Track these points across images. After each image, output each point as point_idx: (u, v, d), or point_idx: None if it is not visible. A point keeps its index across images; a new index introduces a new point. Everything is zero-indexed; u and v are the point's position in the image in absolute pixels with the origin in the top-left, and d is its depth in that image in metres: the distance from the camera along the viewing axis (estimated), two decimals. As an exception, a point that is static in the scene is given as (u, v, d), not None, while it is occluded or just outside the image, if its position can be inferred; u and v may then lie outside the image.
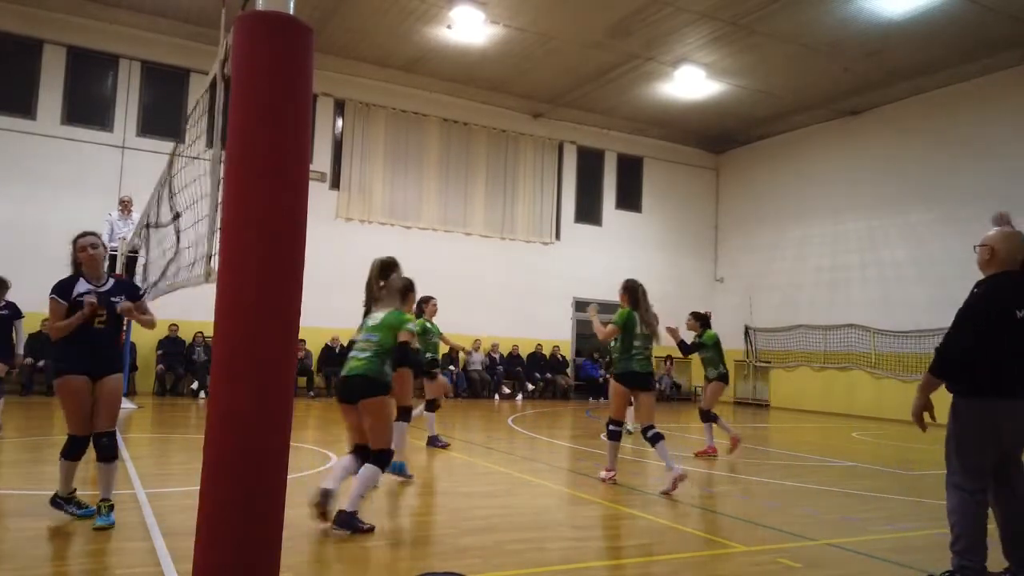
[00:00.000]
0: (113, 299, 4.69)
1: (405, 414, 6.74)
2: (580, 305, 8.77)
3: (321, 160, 16.50)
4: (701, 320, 9.23)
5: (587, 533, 5.15)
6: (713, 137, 20.40)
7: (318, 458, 7.51)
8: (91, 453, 4.62)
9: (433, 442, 8.67)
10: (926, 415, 3.99)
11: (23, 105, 14.20)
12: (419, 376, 7.61)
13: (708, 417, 8.99)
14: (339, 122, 16.96)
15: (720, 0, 12.67)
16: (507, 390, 17.35)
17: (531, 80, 16.85)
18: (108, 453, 4.62)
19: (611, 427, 6.91)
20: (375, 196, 17.02)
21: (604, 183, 20.04)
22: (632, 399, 6.97)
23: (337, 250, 15.96)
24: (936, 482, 4.06)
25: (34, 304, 13.57)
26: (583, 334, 18.54)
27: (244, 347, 3.04)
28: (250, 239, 3.07)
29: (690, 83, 16.20)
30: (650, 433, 6.66)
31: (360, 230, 16.82)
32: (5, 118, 13.97)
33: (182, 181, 6.60)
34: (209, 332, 11.25)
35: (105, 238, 12.22)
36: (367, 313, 6.02)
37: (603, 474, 6.90)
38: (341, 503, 4.73)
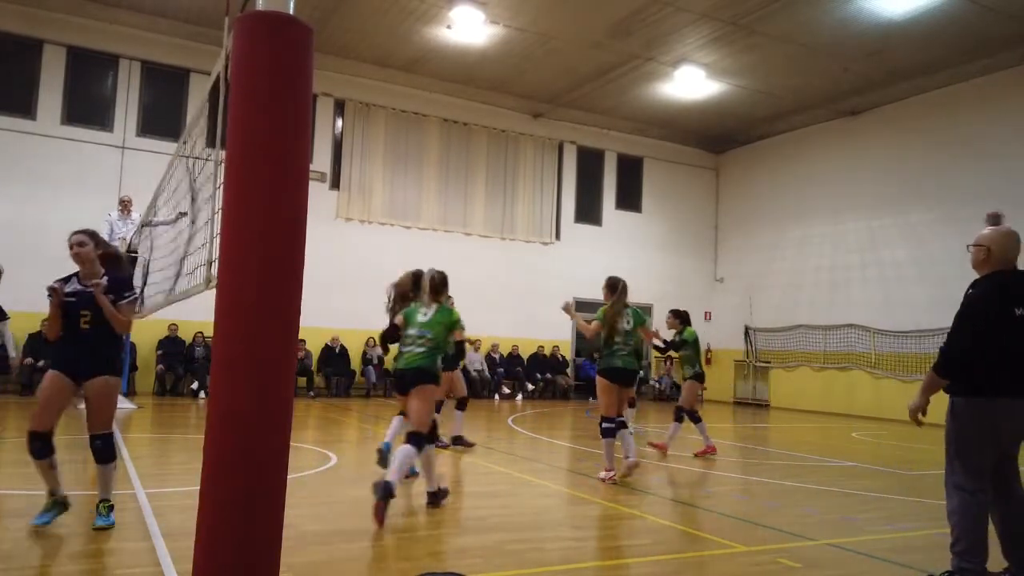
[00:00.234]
0: (116, 300, 4.61)
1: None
2: (580, 306, 8.79)
3: (321, 160, 16.50)
4: (681, 317, 9.22)
5: (587, 533, 5.15)
6: (713, 137, 20.40)
7: (318, 458, 7.51)
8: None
9: (458, 441, 8.62)
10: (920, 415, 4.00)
11: (23, 105, 14.21)
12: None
13: (695, 418, 8.95)
14: (339, 122, 16.96)
15: (720, 0, 12.67)
16: (507, 390, 17.35)
17: (531, 80, 16.85)
18: (100, 456, 4.58)
19: (604, 425, 6.87)
20: (375, 196, 17.02)
21: (604, 183, 20.05)
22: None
23: (337, 250, 15.99)
24: (936, 482, 4.06)
25: (34, 304, 13.61)
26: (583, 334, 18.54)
27: (244, 347, 3.04)
28: (250, 239, 3.07)
29: (690, 83, 16.20)
30: (617, 420, 6.82)
31: (360, 230, 16.83)
32: (5, 118, 13.97)
33: (198, 184, 6.60)
34: (209, 332, 11.26)
35: (104, 238, 12.28)
36: (394, 312, 6.66)
37: (603, 474, 6.84)
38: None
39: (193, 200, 7.61)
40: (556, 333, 18.57)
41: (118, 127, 14.90)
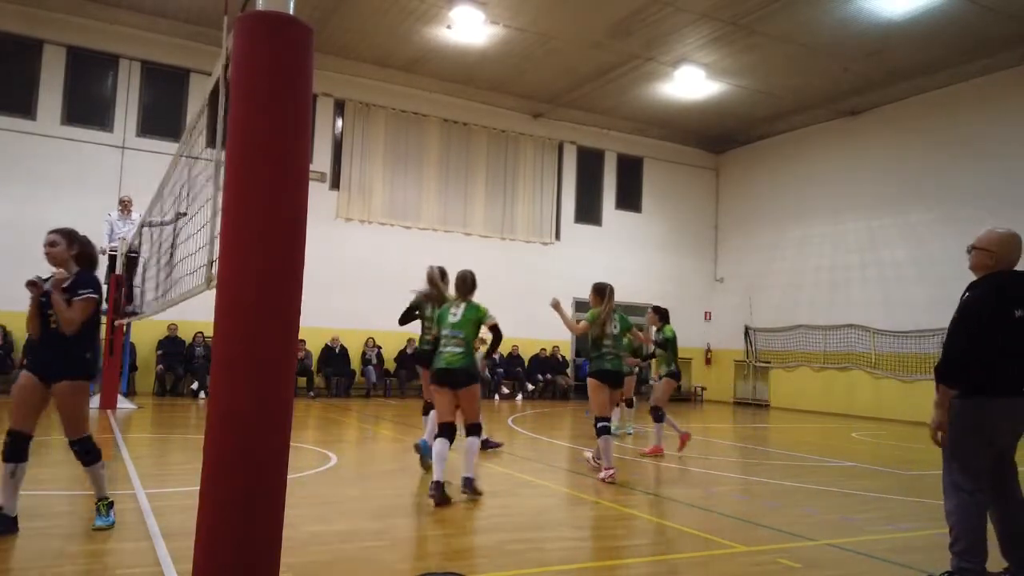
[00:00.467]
0: (71, 298, 4.42)
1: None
2: (580, 306, 8.82)
3: (321, 160, 16.50)
4: (661, 314, 9.25)
5: (587, 533, 5.15)
6: (713, 137, 20.40)
7: (318, 458, 7.51)
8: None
9: (486, 444, 8.36)
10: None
11: (23, 105, 14.20)
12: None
13: (658, 416, 8.95)
14: (339, 122, 16.96)
15: (720, 0, 12.68)
16: (507, 390, 17.36)
17: (531, 80, 16.85)
18: (83, 460, 4.52)
19: (599, 424, 6.95)
20: (375, 196, 17.02)
21: (604, 183, 20.05)
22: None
23: (337, 250, 15.98)
24: (936, 482, 4.06)
25: (34, 304, 13.62)
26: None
27: (244, 347, 3.04)
28: (250, 239, 3.07)
29: (690, 83, 16.20)
30: (599, 424, 6.97)
31: (360, 230, 16.84)
32: (5, 118, 13.97)
33: (197, 184, 6.60)
34: (209, 332, 11.26)
35: (104, 239, 12.29)
36: (414, 310, 7.24)
37: (602, 474, 6.86)
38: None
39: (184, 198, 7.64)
40: (556, 333, 18.53)
41: (118, 127, 14.90)
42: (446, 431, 5.90)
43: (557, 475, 7.44)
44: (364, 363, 16.26)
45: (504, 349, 17.81)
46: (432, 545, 4.58)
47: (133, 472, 6.29)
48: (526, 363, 17.97)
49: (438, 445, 5.83)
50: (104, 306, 4.74)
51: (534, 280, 18.26)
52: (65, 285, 4.43)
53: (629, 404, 10.64)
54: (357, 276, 16.46)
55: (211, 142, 4.36)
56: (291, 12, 3.20)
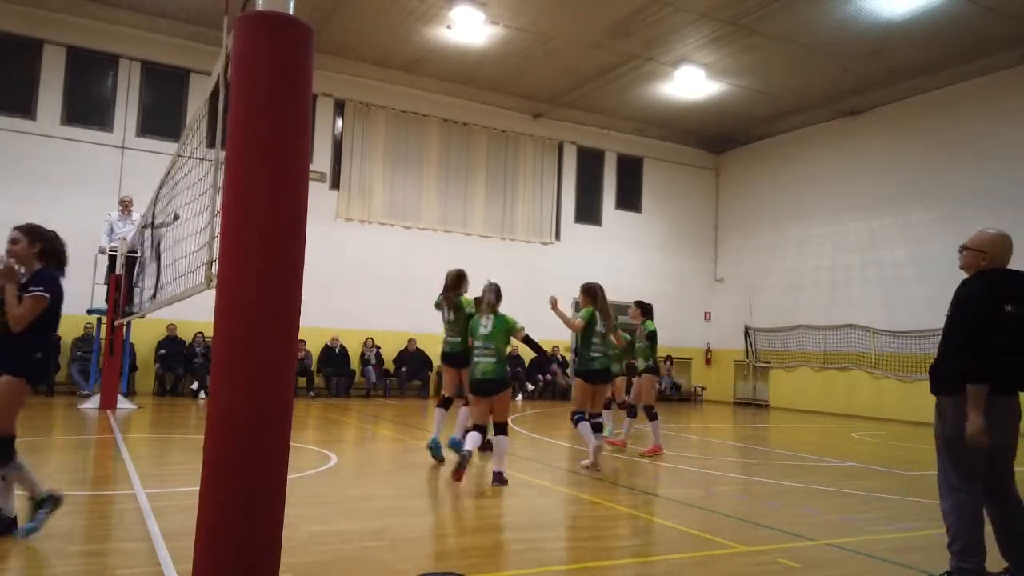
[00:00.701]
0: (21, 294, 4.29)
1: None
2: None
3: (321, 160, 16.50)
4: (644, 309, 9.34)
5: (587, 533, 5.15)
6: (713, 137, 20.40)
7: (318, 458, 7.51)
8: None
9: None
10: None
11: (23, 105, 14.20)
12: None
13: (631, 412, 8.99)
14: (339, 122, 16.96)
15: (720, 0, 12.68)
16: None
17: (531, 80, 16.85)
18: None
19: (576, 415, 7.40)
20: (375, 196, 17.02)
21: (604, 183, 20.05)
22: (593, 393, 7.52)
23: (337, 250, 15.99)
24: (936, 482, 4.05)
25: (34, 304, 13.62)
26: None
27: (244, 347, 3.04)
28: (250, 239, 3.08)
29: (690, 83, 16.20)
30: (593, 422, 7.37)
31: (360, 230, 16.84)
32: (5, 118, 13.97)
33: (189, 182, 6.61)
34: (209, 332, 11.26)
35: (103, 238, 12.29)
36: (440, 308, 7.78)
37: (584, 462, 7.32)
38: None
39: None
40: (556, 333, 18.49)
41: (118, 127, 14.90)
42: (479, 431, 6.55)
43: (557, 475, 7.44)
44: (364, 363, 16.25)
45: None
46: (432, 545, 4.58)
47: (133, 472, 6.29)
48: (526, 364, 17.97)
49: (471, 440, 6.46)
50: (61, 306, 4.53)
51: (534, 280, 18.23)
52: (23, 281, 4.31)
53: (622, 407, 10.44)
54: (357, 276, 16.46)
55: (211, 142, 4.36)
56: (291, 12, 3.20)
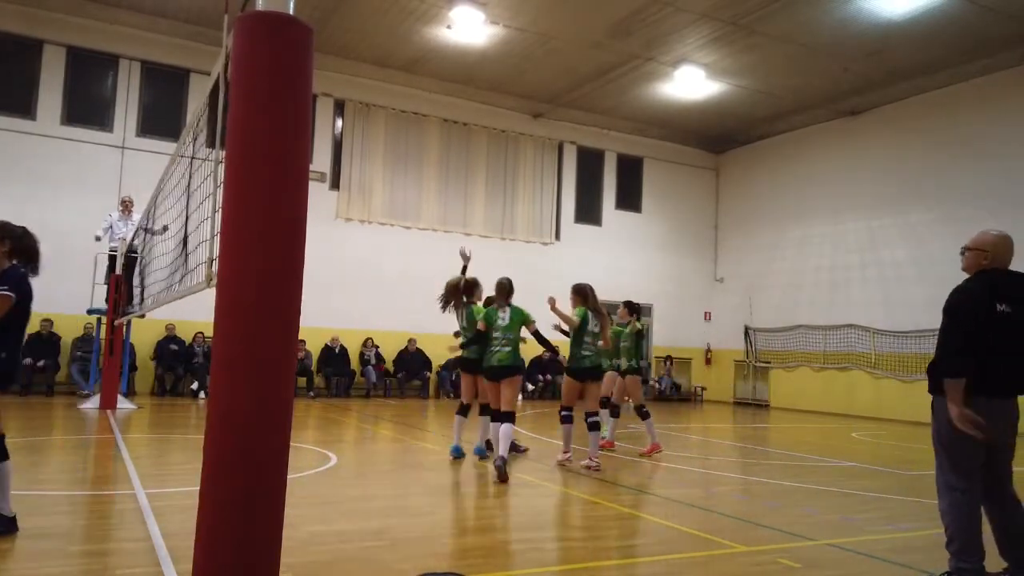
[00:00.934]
0: None
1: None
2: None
3: (321, 160, 16.50)
4: (631, 308, 9.37)
5: (587, 533, 5.15)
6: (713, 137, 20.40)
7: (318, 458, 7.51)
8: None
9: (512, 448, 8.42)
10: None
11: (23, 105, 14.20)
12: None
13: (615, 411, 8.99)
14: (339, 122, 16.96)
15: (720, 0, 12.68)
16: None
17: (531, 80, 16.85)
18: None
19: (563, 413, 7.73)
20: (375, 196, 17.02)
21: (604, 183, 20.05)
22: (582, 391, 7.72)
23: (337, 250, 15.99)
24: (935, 482, 4.05)
25: (34, 303, 13.62)
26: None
27: (244, 347, 3.04)
28: (250, 239, 3.08)
29: (690, 83, 16.20)
30: (590, 420, 7.52)
31: (360, 230, 16.84)
32: (5, 118, 13.97)
33: (187, 185, 6.62)
34: (209, 332, 11.26)
35: (101, 232, 12.32)
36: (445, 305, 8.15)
37: (560, 456, 7.68)
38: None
39: (187, 216, 7.78)
40: (556, 333, 18.56)
41: (118, 127, 14.90)
42: (498, 416, 7.07)
43: (557, 475, 7.44)
44: (363, 363, 16.25)
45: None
46: (432, 545, 4.58)
47: (133, 472, 6.29)
48: (526, 363, 17.97)
49: (494, 428, 7.06)
50: (30, 304, 4.38)
51: (534, 280, 18.13)
52: None
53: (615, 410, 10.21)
54: (357, 276, 16.46)
55: (211, 142, 4.36)
56: (291, 12, 3.20)
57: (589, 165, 19.85)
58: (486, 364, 7.22)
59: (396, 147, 17.27)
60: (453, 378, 16.77)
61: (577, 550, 4.60)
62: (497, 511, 5.73)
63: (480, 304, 8.13)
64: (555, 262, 18.56)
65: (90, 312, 12.75)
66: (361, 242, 16.75)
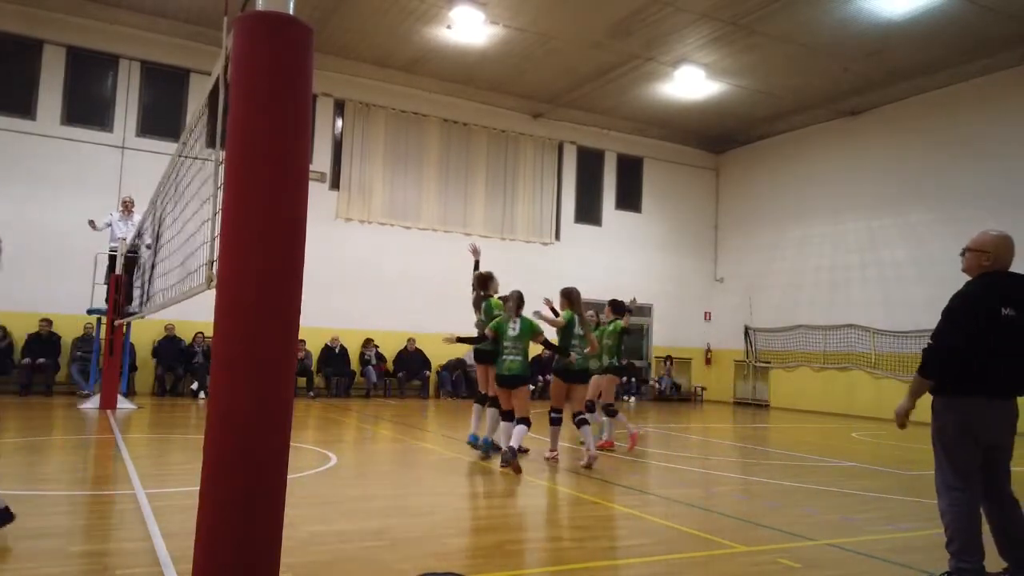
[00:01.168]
0: None
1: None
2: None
3: (321, 160, 16.50)
4: (615, 307, 9.41)
5: (587, 533, 5.15)
6: (713, 137, 20.40)
7: (318, 458, 7.51)
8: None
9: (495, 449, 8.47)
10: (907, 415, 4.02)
11: (23, 105, 14.20)
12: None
13: (610, 411, 9.02)
14: (339, 122, 16.96)
15: (720, 0, 12.68)
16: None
17: (531, 80, 16.85)
18: None
19: (552, 415, 7.96)
20: (375, 196, 17.02)
21: (604, 183, 20.05)
22: (568, 392, 7.97)
23: (337, 250, 15.99)
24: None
25: (34, 303, 13.63)
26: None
27: (244, 347, 3.04)
28: (250, 239, 3.07)
29: (690, 83, 16.20)
30: (577, 418, 7.80)
31: (360, 230, 16.84)
32: (5, 118, 13.97)
33: (187, 184, 6.62)
34: (209, 332, 11.26)
35: (101, 223, 12.34)
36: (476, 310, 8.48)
37: (547, 454, 7.89)
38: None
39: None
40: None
41: (118, 127, 14.90)
42: (508, 416, 7.48)
43: (557, 475, 7.44)
44: (363, 363, 16.25)
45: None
46: (432, 545, 4.58)
47: (133, 472, 6.29)
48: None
49: (504, 426, 7.44)
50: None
51: (534, 280, 18.15)
52: None
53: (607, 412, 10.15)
54: (357, 276, 16.46)
55: (211, 142, 4.36)
56: (291, 12, 3.19)
57: (589, 165, 19.85)
58: (498, 371, 7.56)
59: (396, 147, 17.27)
60: (453, 378, 16.79)
61: (577, 550, 4.60)
62: (497, 511, 5.73)
63: (496, 297, 8.40)
64: (555, 262, 18.56)
65: (90, 312, 12.75)
66: (361, 242, 16.75)
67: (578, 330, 7.94)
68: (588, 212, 19.77)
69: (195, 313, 13.50)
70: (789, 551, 4.63)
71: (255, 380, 3.03)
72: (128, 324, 11.90)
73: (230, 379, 3.05)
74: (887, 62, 14.85)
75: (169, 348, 14.39)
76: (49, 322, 13.40)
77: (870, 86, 16.11)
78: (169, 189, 7.98)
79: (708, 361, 20.91)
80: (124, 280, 11.41)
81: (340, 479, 6.75)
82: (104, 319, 11.85)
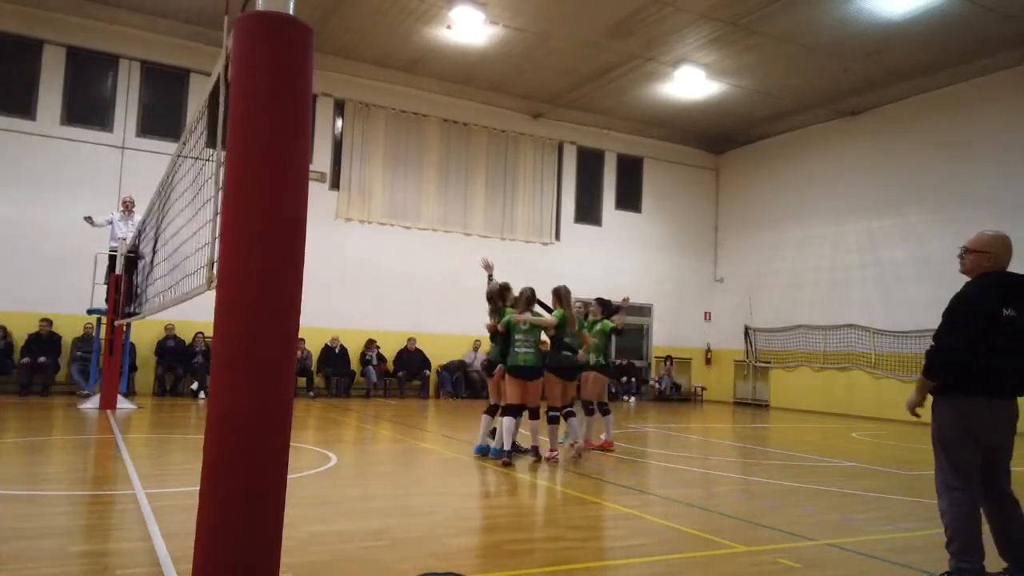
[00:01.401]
0: None
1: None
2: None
3: (321, 160, 16.50)
4: (603, 305, 9.45)
5: (587, 533, 5.15)
6: (713, 137, 20.40)
7: (318, 458, 7.51)
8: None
9: (517, 450, 8.25)
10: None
11: (23, 105, 14.20)
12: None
13: (605, 409, 9.01)
14: (339, 122, 16.96)
15: (720, 0, 12.68)
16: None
17: (531, 80, 16.85)
18: None
19: (550, 414, 7.99)
20: (375, 196, 17.02)
21: (604, 183, 20.05)
22: (564, 388, 8.12)
23: (337, 250, 15.99)
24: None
25: (34, 303, 13.63)
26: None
27: (244, 347, 3.04)
28: (250, 239, 3.07)
29: (690, 83, 16.20)
30: (551, 414, 7.96)
31: (360, 230, 16.84)
32: (5, 118, 13.97)
33: (184, 185, 6.62)
34: (209, 332, 11.26)
35: (100, 219, 12.35)
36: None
37: (548, 453, 7.87)
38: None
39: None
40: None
41: (118, 127, 14.89)
42: (513, 411, 7.58)
43: (557, 475, 7.44)
44: (363, 363, 16.25)
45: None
46: (432, 545, 4.58)
47: (133, 472, 6.29)
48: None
49: (507, 422, 7.50)
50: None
51: (534, 280, 18.05)
52: None
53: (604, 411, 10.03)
54: (357, 276, 16.46)
55: (211, 142, 4.36)
56: (291, 12, 3.19)
57: (589, 165, 19.85)
58: (511, 363, 7.72)
59: (396, 147, 17.27)
60: (453, 379, 16.78)
61: (577, 550, 4.60)
62: (497, 511, 5.73)
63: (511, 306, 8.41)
64: (555, 262, 18.55)
65: (90, 312, 12.75)
66: (361, 242, 16.75)
67: (568, 328, 8.10)
68: (588, 212, 19.77)
69: (195, 313, 13.48)
70: (789, 551, 4.63)
71: (255, 380, 3.03)
72: (128, 324, 11.90)
73: (230, 379, 3.05)
74: (887, 62, 14.85)
75: (171, 348, 14.39)
76: (49, 322, 13.40)
77: (870, 86, 16.11)
78: (169, 190, 7.97)
79: (708, 361, 20.91)
80: (124, 280, 11.41)
81: (340, 479, 6.75)
82: (104, 319, 11.85)
